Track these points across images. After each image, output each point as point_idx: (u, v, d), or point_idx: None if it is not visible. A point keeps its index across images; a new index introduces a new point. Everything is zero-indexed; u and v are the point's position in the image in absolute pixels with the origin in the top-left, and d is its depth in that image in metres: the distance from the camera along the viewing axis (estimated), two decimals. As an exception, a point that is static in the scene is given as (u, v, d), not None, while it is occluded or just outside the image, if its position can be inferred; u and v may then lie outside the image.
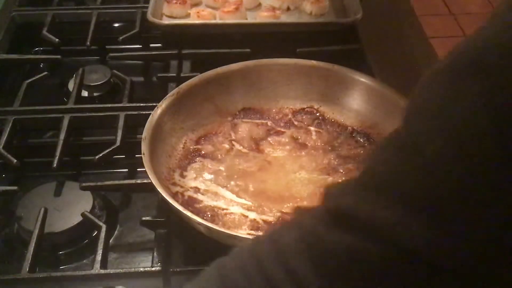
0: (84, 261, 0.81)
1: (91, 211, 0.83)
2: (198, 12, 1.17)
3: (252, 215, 0.79)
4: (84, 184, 0.85)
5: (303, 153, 0.89)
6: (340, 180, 0.84)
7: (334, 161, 0.87)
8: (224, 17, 1.16)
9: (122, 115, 0.95)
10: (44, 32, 1.15)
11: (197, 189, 0.83)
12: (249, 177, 0.84)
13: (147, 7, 1.15)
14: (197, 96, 0.92)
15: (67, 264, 0.81)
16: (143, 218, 0.80)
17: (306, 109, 0.96)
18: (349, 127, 0.93)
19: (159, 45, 1.18)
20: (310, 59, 0.96)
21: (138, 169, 0.91)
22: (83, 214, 0.82)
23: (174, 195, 0.80)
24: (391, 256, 0.40)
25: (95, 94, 1.07)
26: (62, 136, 0.92)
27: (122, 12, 1.22)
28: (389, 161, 0.43)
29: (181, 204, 0.75)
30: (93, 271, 0.75)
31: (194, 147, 0.90)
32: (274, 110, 0.96)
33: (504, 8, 0.38)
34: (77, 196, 0.84)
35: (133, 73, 1.10)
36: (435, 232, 0.39)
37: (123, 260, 0.81)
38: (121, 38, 1.13)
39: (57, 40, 1.14)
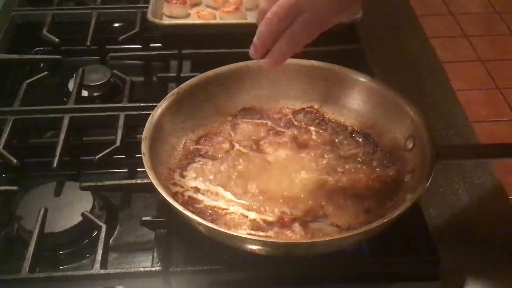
0: (84, 261, 0.81)
1: (91, 211, 0.83)
2: (198, 12, 1.17)
3: (252, 215, 0.79)
4: (84, 184, 0.85)
5: (303, 153, 0.89)
6: (339, 180, 0.84)
7: (334, 161, 0.87)
8: (224, 17, 1.16)
9: (122, 115, 0.95)
10: (44, 32, 1.15)
11: (197, 189, 0.83)
12: (249, 177, 0.84)
13: (147, 7, 1.15)
14: (197, 96, 0.92)
15: (67, 264, 0.81)
16: (143, 218, 0.80)
17: (306, 109, 0.96)
18: (349, 127, 0.93)
19: (159, 45, 1.18)
20: (310, 59, 0.96)
21: (138, 169, 0.92)
22: (83, 214, 0.82)
23: (174, 195, 0.80)
24: None
25: (95, 94, 1.07)
26: (62, 136, 0.92)
27: (122, 12, 1.23)
28: None
29: (181, 204, 0.75)
30: (93, 271, 0.75)
31: (194, 147, 0.90)
32: (274, 110, 0.96)
33: None
34: (77, 196, 0.84)
35: (133, 73, 1.10)
36: None
37: (123, 260, 0.81)
38: (121, 38, 1.13)
39: (57, 40, 1.14)
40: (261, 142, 0.91)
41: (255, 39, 0.75)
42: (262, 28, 0.74)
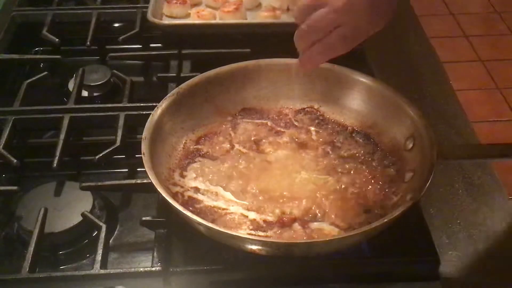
0: (84, 261, 0.81)
1: (91, 211, 0.83)
2: (198, 12, 1.17)
3: (252, 215, 0.79)
4: (84, 184, 0.85)
5: (303, 153, 0.89)
6: (339, 180, 0.84)
7: (334, 161, 0.87)
8: (224, 17, 1.16)
9: (122, 115, 0.95)
10: (44, 32, 1.15)
11: (197, 189, 0.83)
12: (249, 177, 0.84)
13: (147, 7, 1.15)
14: (197, 96, 0.92)
15: (67, 264, 0.81)
16: (143, 218, 0.80)
17: (306, 109, 0.96)
18: (349, 127, 0.93)
19: (159, 45, 1.19)
20: (310, 59, 0.96)
21: (138, 169, 0.91)
22: (83, 214, 0.82)
23: (174, 195, 0.80)
24: None
25: (95, 94, 1.07)
26: (62, 136, 0.92)
27: (122, 12, 1.23)
28: None
29: (181, 204, 0.75)
30: (93, 271, 0.75)
31: (194, 147, 0.90)
32: (274, 110, 0.96)
33: None
34: (77, 196, 0.84)
35: (133, 73, 1.10)
36: None
37: (123, 260, 0.81)
38: (121, 38, 1.13)
39: (57, 40, 1.14)
40: (261, 142, 0.91)
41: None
42: (298, 36, 0.74)
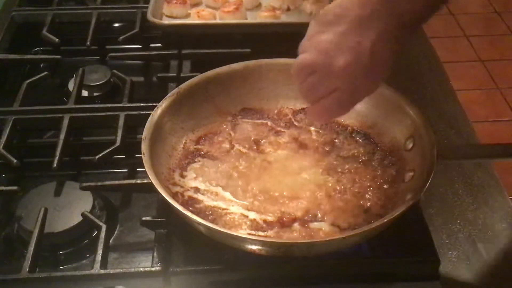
0: (84, 261, 0.81)
1: (91, 211, 0.83)
2: (198, 12, 1.17)
3: (252, 215, 0.79)
4: (84, 184, 0.85)
5: (303, 153, 0.89)
6: (339, 180, 0.84)
7: (334, 161, 0.87)
8: (224, 17, 1.16)
9: (122, 115, 0.95)
10: (44, 32, 1.15)
11: (197, 189, 0.83)
12: (249, 177, 0.84)
13: (147, 7, 1.16)
14: (197, 96, 0.92)
15: (67, 264, 0.81)
16: (143, 218, 0.80)
17: (306, 109, 0.96)
18: (349, 127, 0.93)
19: (159, 45, 1.18)
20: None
21: (138, 169, 0.91)
22: (83, 214, 0.82)
23: (174, 195, 0.80)
24: None
25: (95, 94, 1.07)
26: (62, 136, 0.92)
27: (122, 12, 1.23)
28: None
29: (181, 204, 0.75)
30: (93, 271, 0.75)
31: (194, 147, 0.90)
32: (274, 110, 0.96)
33: None
34: (77, 196, 0.85)
35: (133, 73, 1.10)
36: None
37: (123, 260, 0.81)
38: (121, 38, 1.13)
39: (57, 40, 1.14)
40: (261, 142, 0.91)
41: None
42: (299, 93, 0.74)
